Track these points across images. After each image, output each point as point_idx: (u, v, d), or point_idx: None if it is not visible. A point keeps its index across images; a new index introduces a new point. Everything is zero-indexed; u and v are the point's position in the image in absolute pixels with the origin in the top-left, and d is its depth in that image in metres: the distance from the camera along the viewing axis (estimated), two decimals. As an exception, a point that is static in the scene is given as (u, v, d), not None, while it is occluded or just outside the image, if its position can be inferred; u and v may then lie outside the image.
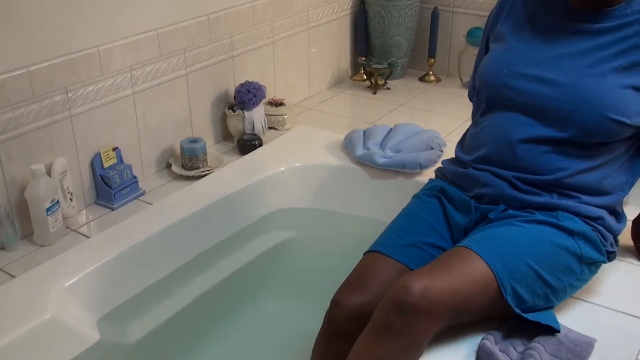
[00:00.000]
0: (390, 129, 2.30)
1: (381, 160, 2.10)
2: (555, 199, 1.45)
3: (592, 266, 1.47)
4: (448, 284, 1.28)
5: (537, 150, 1.46)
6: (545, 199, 1.46)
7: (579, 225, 1.43)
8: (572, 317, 1.45)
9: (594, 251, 1.44)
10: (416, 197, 1.65)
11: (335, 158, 2.22)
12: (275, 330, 1.86)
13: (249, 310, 1.93)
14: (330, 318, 1.45)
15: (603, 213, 1.47)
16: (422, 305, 1.24)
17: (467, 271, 1.33)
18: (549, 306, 1.42)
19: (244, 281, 2.02)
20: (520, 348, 1.35)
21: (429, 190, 1.63)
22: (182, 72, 2.18)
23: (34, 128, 1.78)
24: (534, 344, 1.34)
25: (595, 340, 1.38)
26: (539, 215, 1.44)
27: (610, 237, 1.50)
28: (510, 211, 1.47)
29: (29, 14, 1.72)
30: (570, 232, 1.42)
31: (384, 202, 1.97)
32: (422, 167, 2.06)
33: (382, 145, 2.21)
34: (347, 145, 2.23)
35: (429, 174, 1.94)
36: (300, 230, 2.22)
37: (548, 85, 1.45)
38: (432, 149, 2.14)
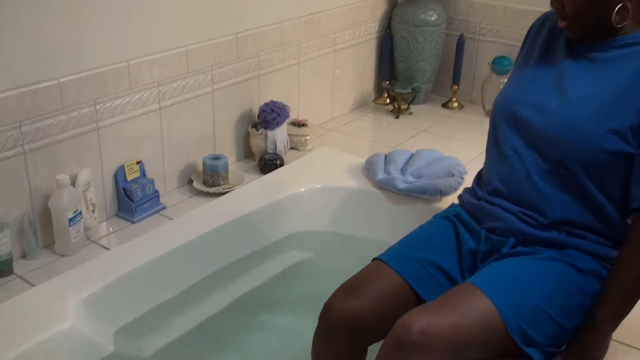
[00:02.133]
0: (412, 154, 2.31)
1: (402, 186, 2.11)
2: (564, 236, 1.44)
3: None
4: (450, 322, 1.28)
5: (541, 186, 1.44)
6: (553, 235, 1.44)
7: (590, 264, 1.41)
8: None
9: None
10: (433, 217, 1.67)
11: (355, 181, 2.22)
12: (288, 350, 1.86)
13: (264, 329, 1.93)
14: (322, 319, 1.48)
15: (614, 253, 1.43)
16: (422, 344, 1.25)
17: (471, 308, 1.31)
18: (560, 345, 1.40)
19: (260, 300, 2.02)
20: None
21: (447, 212, 1.65)
22: (208, 89, 2.21)
23: (61, 139, 1.81)
24: None
25: None
26: (549, 253, 1.42)
27: None
28: (521, 248, 1.45)
29: (61, 26, 1.75)
30: (581, 271, 1.40)
31: (403, 227, 1.96)
32: (442, 193, 2.07)
33: (403, 170, 2.21)
34: (368, 169, 2.24)
35: (448, 201, 1.95)
36: (318, 252, 2.22)
37: (544, 115, 1.44)
38: (453, 176, 2.14)
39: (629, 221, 1.41)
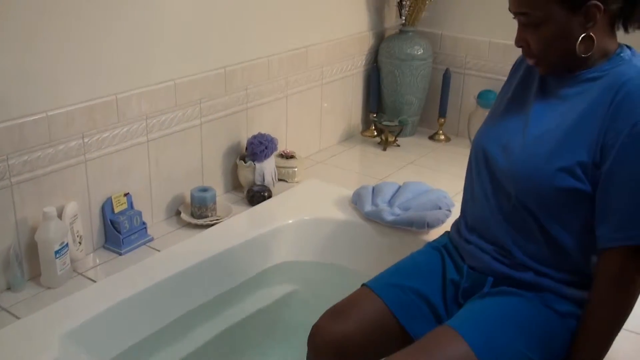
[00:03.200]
0: (399, 187, 2.32)
1: (389, 218, 2.12)
2: (532, 276, 1.42)
3: None
4: None
5: (506, 226, 1.45)
6: (526, 276, 1.43)
7: (567, 306, 1.41)
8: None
9: None
10: (425, 245, 1.69)
11: (343, 213, 2.23)
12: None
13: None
14: (310, 342, 1.53)
15: (581, 295, 1.41)
16: None
17: (450, 355, 1.32)
18: None
19: (247, 331, 2.01)
20: None
21: (437, 242, 1.67)
22: (196, 122, 2.22)
23: (48, 171, 1.81)
24: None
25: None
26: (527, 295, 1.42)
27: None
28: (501, 287, 1.46)
29: (49, 61, 1.76)
30: (560, 314, 1.40)
31: (390, 259, 1.96)
32: (429, 226, 2.08)
33: (390, 203, 2.22)
34: (356, 201, 2.25)
35: (436, 234, 1.95)
36: (305, 283, 2.22)
37: (506, 154, 1.44)
38: (440, 208, 2.15)
39: (594, 260, 1.39)
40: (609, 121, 1.30)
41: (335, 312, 1.53)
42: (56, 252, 1.76)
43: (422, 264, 1.61)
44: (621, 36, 1.40)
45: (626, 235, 1.29)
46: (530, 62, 1.43)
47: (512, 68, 1.60)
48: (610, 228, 1.31)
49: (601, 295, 1.33)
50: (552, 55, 1.38)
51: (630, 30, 1.37)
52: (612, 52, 1.37)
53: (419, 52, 2.91)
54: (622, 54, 1.36)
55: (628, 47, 1.40)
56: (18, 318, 1.66)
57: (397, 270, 1.62)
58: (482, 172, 1.50)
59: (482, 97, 2.83)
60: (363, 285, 1.59)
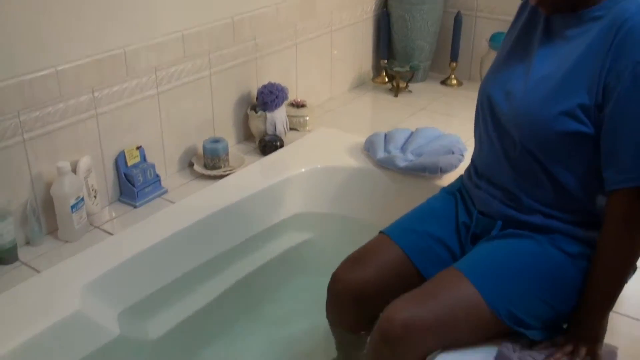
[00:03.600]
0: (412, 133, 2.31)
1: (402, 164, 2.11)
2: (541, 218, 1.42)
3: None
4: (434, 315, 1.31)
5: (512, 172, 1.43)
6: (534, 218, 1.42)
7: (577, 247, 1.40)
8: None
9: None
10: (440, 190, 1.70)
11: (356, 160, 2.23)
12: (291, 330, 1.88)
13: (267, 311, 1.95)
14: (330, 289, 1.57)
15: (595, 234, 1.38)
16: (406, 337, 1.29)
17: (455, 297, 1.33)
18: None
19: (263, 281, 2.04)
20: (541, 357, 1.34)
21: (451, 187, 1.68)
22: (205, 73, 2.21)
23: (60, 127, 1.82)
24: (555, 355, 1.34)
25: (617, 348, 1.38)
26: (536, 237, 1.42)
27: None
28: (510, 230, 1.45)
29: (56, 16, 1.75)
30: (569, 254, 1.39)
31: (404, 206, 1.96)
32: (442, 171, 2.07)
33: (403, 149, 2.21)
34: (368, 148, 2.24)
35: (449, 178, 1.95)
36: (319, 232, 2.23)
37: (509, 100, 1.41)
38: (452, 153, 2.15)
39: (600, 201, 1.38)
40: (610, 61, 1.26)
41: (354, 260, 1.56)
42: (72, 207, 1.78)
43: (438, 208, 1.61)
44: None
45: (632, 177, 1.27)
46: (533, 2, 1.39)
47: (517, 12, 1.55)
48: (617, 170, 1.29)
49: (610, 236, 1.33)
50: None
51: None
52: None
53: (430, -4, 2.86)
54: None
55: None
56: (38, 272, 1.69)
57: (413, 216, 1.63)
58: (487, 119, 1.49)
59: (495, 40, 2.79)
60: (380, 232, 1.61)
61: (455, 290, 1.34)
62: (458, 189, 1.64)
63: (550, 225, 1.41)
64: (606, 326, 1.39)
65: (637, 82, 1.24)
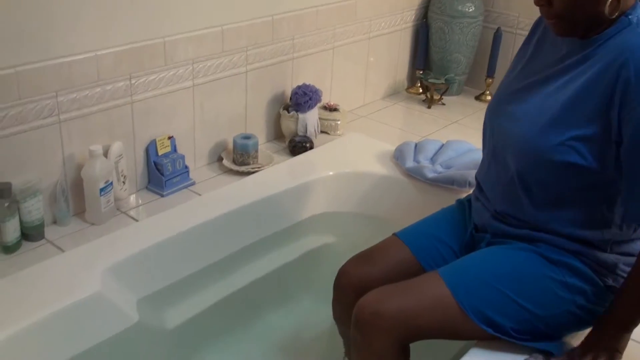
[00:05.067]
0: (442, 145, 2.30)
1: (430, 175, 2.11)
2: (534, 233, 1.42)
3: (594, 295, 1.40)
4: (399, 304, 1.36)
5: (501, 193, 1.45)
6: (526, 232, 1.43)
7: (560, 256, 1.38)
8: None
9: (583, 283, 1.38)
10: (455, 201, 1.72)
11: (384, 168, 2.23)
12: (310, 326, 1.88)
13: (287, 307, 1.95)
14: (336, 286, 1.61)
15: (581, 248, 1.38)
16: (373, 324, 1.36)
17: (425, 291, 1.38)
18: (550, 334, 1.39)
19: (283, 279, 2.04)
20: None
21: (465, 197, 1.70)
22: (242, 69, 2.22)
23: (95, 110, 1.84)
24: None
25: None
26: (519, 244, 1.43)
27: (613, 268, 1.39)
28: (496, 240, 1.47)
29: (100, 1, 1.78)
30: (549, 260, 1.38)
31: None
32: (470, 185, 2.06)
33: (432, 160, 2.21)
34: (398, 157, 2.24)
35: (476, 192, 1.94)
36: (343, 235, 2.23)
37: (511, 123, 1.40)
38: (482, 167, 2.13)
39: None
40: (620, 95, 1.23)
41: (362, 257, 1.60)
42: (101, 190, 1.80)
43: (449, 215, 1.65)
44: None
45: None
46: (548, 22, 1.36)
47: (531, 28, 1.53)
48: None
49: None
50: (578, 15, 1.29)
51: None
52: (623, 13, 1.29)
53: (471, 10, 2.85)
54: (630, 16, 1.29)
55: None
56: (63, 251, 1.71)
57: (425, 221, 1.66)
58: (486, 140, 1.51)
59: (533, 58, 2.76)
60: (393, 234, 1.63)
61: (425, 286, 1.39)
62: (468, 200, 1.66)
63: (536, 236, 1.42)
64: (627, 342, 1.36)
65: None
